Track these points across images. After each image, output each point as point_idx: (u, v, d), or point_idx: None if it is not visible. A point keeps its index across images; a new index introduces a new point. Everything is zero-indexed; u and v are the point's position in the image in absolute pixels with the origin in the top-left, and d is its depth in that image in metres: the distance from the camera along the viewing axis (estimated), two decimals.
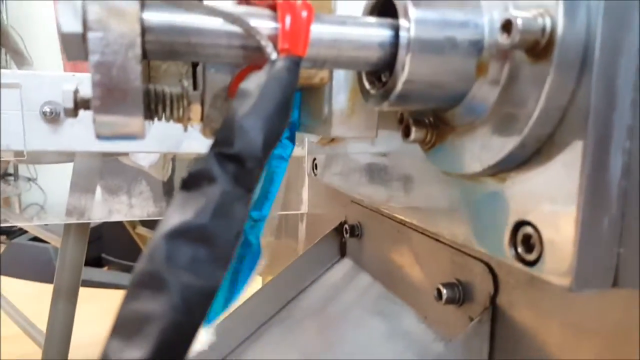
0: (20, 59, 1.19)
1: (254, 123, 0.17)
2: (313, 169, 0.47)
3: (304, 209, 0.58)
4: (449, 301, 0.28)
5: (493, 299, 0.26)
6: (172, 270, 0.14)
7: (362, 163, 0.37)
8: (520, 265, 0.21)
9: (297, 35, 0.19)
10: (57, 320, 0.67)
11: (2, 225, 0.61)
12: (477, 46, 0.21)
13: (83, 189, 0.54)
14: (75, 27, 0.17)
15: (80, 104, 0.22)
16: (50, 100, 0.50)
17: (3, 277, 1.37)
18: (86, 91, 0.22)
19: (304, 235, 0.61)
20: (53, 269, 1.42)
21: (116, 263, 1.61)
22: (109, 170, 0.55)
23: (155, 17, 0.18)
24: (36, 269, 1.43)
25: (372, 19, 0.22)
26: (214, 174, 0.16)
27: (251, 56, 0.20)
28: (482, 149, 0.22)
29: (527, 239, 0.21)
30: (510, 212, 0.22)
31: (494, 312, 0.26)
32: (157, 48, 0.19)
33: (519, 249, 0.21)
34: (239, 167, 0.16)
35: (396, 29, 0.21)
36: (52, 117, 0.50)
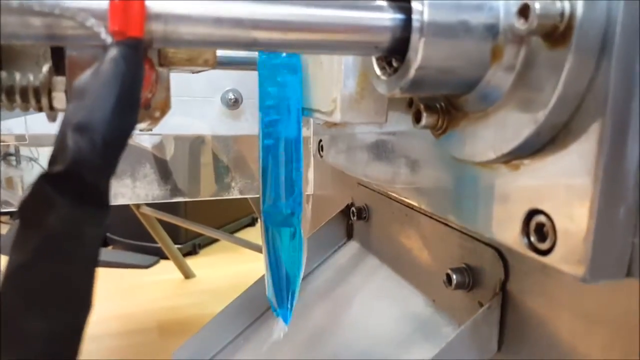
0: None
1: (86, 129, 0.14)
2: (319, 151, 0.47)
3: (310, 189, 0.58)
4: (459, 286, 0.28)
5: (503, 285, 0.26)
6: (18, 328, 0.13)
7: (369, 145, 0.37)
8: (533, 255, 0.21)
9: (128, 12, 0.16)
10: None
11: (5, 210, 0.61)
12: (492, 30, 0.20)
13: None
14: None
15: None
16: None
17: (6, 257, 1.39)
18: None
19: (309, 215, 0.61)
20: None
21: (121, 242, 1.62)
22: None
23: None
24: None
25: (383, 2, 0.21)
26: (49, 199, 0.13)
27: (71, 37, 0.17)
28: (495, 136, 0.22)
29: (540, 227, 0.21)
30: (523, 200, 0.22)
31: (504, 298, 0.26)
32: None
33: (532, 238, 0.21)
34: (77, 183, 0.14)
35: (408, 12, 0.21)
36: None
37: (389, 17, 0.21)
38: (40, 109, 0.21)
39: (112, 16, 0.16)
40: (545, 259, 0.20)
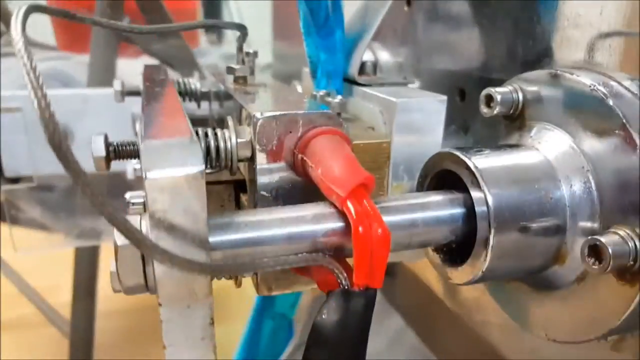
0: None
1: None
2: None
3: None
4: None
5: None
6: None
7: None
8: None
9: (375, 270, 0.17)
10: (80, 317, 0.69)
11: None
12: (557, 231, 0.20)
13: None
14: (137, 280, 0.16)
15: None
16: None
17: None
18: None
19: None
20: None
21: None
22: (115, 186, 0.51)
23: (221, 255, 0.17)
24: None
25: (438, 197, 0.20)
26: None
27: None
28: (549, 322, 0.21)
29: None
30: None
31: None
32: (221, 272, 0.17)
33: None
34: None
35: (466, 205, 0.20)
36: None
37: (447, 214, 0.20)
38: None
39: (358, 271, 0.17)
40: None
